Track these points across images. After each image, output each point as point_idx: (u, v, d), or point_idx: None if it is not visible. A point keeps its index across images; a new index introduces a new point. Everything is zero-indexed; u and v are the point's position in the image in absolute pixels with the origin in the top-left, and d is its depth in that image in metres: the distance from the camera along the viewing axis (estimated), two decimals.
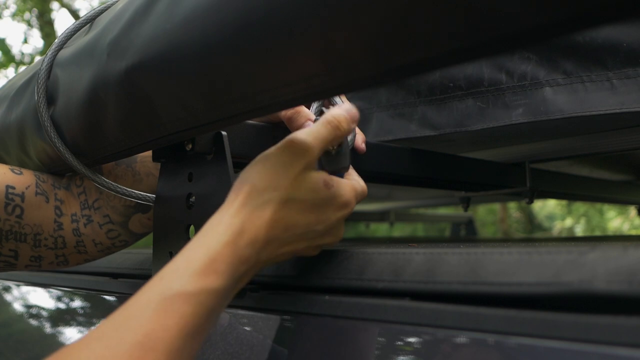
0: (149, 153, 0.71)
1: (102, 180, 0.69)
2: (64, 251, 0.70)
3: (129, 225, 0.73)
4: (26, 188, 0.68)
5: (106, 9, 0.69)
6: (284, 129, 0.68)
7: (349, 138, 0.62)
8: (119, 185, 0.69)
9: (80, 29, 0.72)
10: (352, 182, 0.55)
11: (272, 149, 0.50)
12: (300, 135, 0.50)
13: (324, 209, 0.50)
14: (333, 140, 0.52)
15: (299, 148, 0.49)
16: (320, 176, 0.50)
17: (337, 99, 0.66)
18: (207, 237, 0.46)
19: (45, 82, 0.68)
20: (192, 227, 0.64)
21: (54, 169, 0.74)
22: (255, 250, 0.46)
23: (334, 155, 0.55)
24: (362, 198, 0.56)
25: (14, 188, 0.67)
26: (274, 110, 0.48)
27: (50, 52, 0.70)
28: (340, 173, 0.56)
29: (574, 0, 0.27)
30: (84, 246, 0.71)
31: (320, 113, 0.66)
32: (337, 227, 0.53)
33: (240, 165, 0.66)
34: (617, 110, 0.67)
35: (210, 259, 0.44)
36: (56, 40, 0.71)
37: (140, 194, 0.70)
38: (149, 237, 0.74)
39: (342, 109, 0.54)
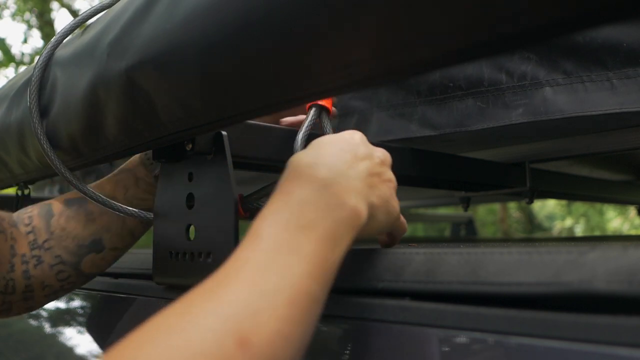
0: (108, 190, 0.71)
1: (91, 193, 0.67)
2: (11, 298, 0.67)
3: (81, 266, 0.70)
4: None
5: (102, 9, 0.69)
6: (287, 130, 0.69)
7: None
8: (108, 199, 0.67)
9: (75, 29, 0.72)
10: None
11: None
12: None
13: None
14: None
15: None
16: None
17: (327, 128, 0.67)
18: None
19: (38, 84, 0.68)
20: (192, 227, 0.64)
21: (54, 170, 0.74)
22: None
23: None
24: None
25: None
26: (274, 110, 0.48)
27: (45, 52, 0.70)
28: None
29: (574, 0, 0.27)
30: (32, 291, 0.68)
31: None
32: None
33: (240, 165, 0.67)
34: (617, 110, 0.67)
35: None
36: (52, 40, 0.71)
37: (135, 211, 0.69)
38: (149, 237, 0.74)
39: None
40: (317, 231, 0.42)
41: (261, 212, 0.43)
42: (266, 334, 0.36)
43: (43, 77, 0.69)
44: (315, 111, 0.67)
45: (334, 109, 0.68)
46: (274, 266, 0.39)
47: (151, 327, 0.35)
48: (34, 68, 0.70)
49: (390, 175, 0.54)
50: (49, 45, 0.71)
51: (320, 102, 0.68)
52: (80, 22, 0.72)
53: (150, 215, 0.69)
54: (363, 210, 0.46)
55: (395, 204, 0.53)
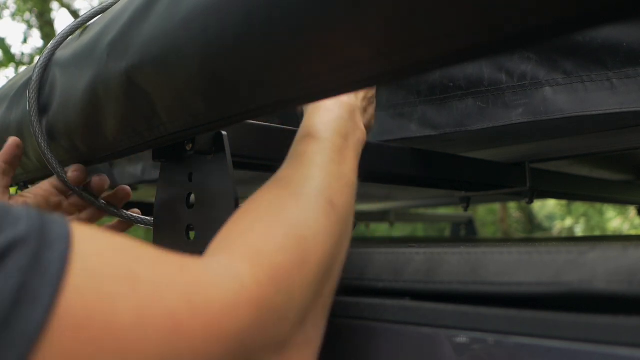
0: None
1: (85, 195, 0.67)
2: None
3: None
4: None
5: (102, 11, 0.69)
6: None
7: None
8: (104, 202, 0.68)
9: (76, 30, 0.72)
10: None
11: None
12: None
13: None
14: None
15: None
16: None
17: None
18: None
19: (38, 84, 0.68)
20: (192, 228, 0.64)
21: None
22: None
23: None
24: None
25: None
26: (274, 110, 0.48)
27: (46, 53, 0.70)
28: None
29: (574, 0, 0.27)
30: None
31: None
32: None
33: (240, 165, 0.67)
34: (617, 110, 0.67)
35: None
36: (52, 40, 0.71)
37: (133, 215, 0.69)
38: (149, 237, 0.74)
39: None
40: (350, 141, 0.56)
41: (313, 119, 0.55)
42: (342, 201, 0.49)
43: (43, 77, 0.69)
44: None
45: None
46: (334, 160, 0.52)
47: (262, 196, 0.46)
48: (34, 68, 0.70)
49: (373, 93, 0.67)
50: (50, 46, 0.71)
51: None
52: (81, 24, 0.72)
53: (150, 219, 0.69)
54: (365, 132, 0.61)
55: (373, 122, 0.67)
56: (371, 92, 0.66)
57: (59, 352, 0.26)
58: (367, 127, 0.64)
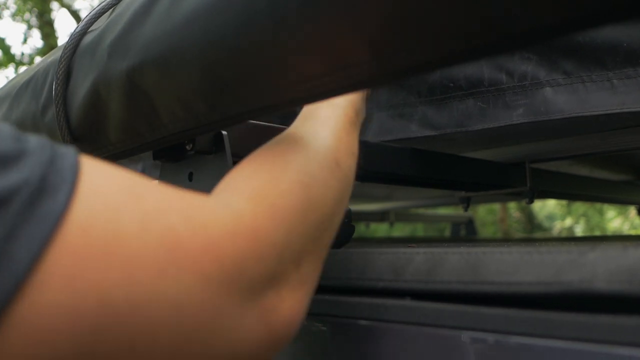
0: None
1: None
2: None
3: None
4: None
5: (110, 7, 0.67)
6: None
7: None
8: None
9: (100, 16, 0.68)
10: None
11: None
12: None
13: None
14: None
15: None
16: None
17: None
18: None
19: (64, 84, 0.65)
20: None
21: None
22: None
23: None
24: None
25: None
26: (275, 110, 0.48)
27: (71, 40, 0.66)
28: None
29: (574, 1, 0.27)
30: None
31: None
32: None
33: None
34: (618, 110, 0.67)
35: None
36: (78, 26, 0.66)
37: None
38: None
39: None
40: (359, 119, 0.58)
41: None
42: (347, 165, 0.50)
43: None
44: None
45: None
46: (345, 129, 0.53)
47: (269, 147, 0.48)
48: (56, 73, 0.67)
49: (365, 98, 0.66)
50: (78, 29, 0.66)
51: None
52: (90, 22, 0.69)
53: None
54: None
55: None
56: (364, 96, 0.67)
57: (71, 250, 0.29)
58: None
